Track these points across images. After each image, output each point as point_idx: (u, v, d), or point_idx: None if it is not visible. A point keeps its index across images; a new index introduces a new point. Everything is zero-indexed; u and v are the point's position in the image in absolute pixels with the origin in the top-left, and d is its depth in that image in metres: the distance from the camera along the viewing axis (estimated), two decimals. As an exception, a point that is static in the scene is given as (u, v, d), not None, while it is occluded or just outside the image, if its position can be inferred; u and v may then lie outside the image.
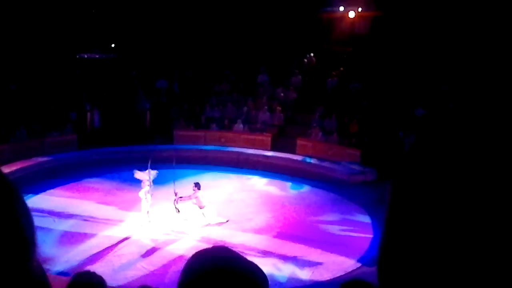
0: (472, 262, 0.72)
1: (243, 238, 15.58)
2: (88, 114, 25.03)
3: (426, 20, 25.14)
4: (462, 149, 0.74)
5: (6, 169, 18.86)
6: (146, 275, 13.17)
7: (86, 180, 20.14)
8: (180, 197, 16.06)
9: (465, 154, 0.74)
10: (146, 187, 15.70)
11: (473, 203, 0.72)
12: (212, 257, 1.40)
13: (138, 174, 16.01)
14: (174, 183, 16.37)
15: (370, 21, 28.68)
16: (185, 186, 17.02)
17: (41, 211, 16.77)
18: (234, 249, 1.48)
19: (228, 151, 23.45)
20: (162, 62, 28.15)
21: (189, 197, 16.13)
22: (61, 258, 13.78)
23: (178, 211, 16.08)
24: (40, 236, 0.86)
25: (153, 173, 15.93)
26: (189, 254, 1.47)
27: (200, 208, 16.22)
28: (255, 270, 1.40)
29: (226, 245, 1.52)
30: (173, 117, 25.89)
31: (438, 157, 0.76)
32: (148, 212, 15.82)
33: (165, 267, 13.62)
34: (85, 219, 16.63)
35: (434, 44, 24.60)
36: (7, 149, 21.34)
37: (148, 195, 15.75)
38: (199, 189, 16.20)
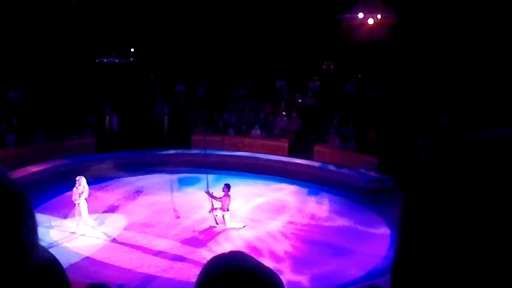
0: (486, 275, 0.71)
1: (260, 244, 15.57)
2: (107, 117, 25.16)
3: (445, 28, 25.01)
4: (487, 170, 0.74)
5: (25, 172, 19.07)
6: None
7: (103, 183, 20.22)
8: (213, 196, 16.18)
9: (489, 175, 0.73)
10: (83, 193, 15.78)
11: (490, 220, 0.71)
12: (229, 262, 1.40)
13: (80, 181, 15.95)
14: (207, 182, 16.74)
15: (389, 28, 28.57)
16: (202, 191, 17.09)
17: (57, 214, 16.95)
18: (250, 254, 1.48)
19: (245, 157, 23.44)
20: (181, 66, 28.27)
21: (220, 198, 16.19)
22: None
23: (213, 210, 16.25)
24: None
25: (83, 182, 15.94)
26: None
27: (223, 211, 16.24)
28: (272, 276, 1.40)
29: (242, 250, 1.51)
30: (191, 122, 25.94)
31: (459, 174, 0.76)
32: (82, 218, 15.87)
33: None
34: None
35: (453, 51, 24.46)
36: (26, 151, 21.53)
37: (83, 201, 15.85)
38: (229, 190, 16.28)
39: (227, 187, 16.30)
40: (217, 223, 16.40)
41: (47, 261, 1.38)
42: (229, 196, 16.26)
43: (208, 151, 20.10)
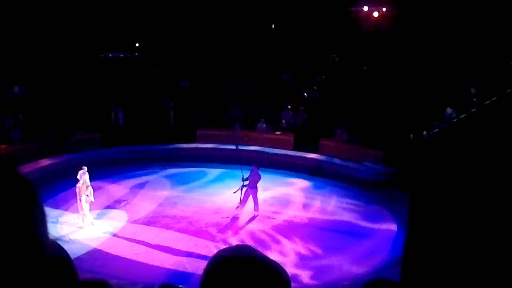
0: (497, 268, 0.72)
1: (265, 237, 15.58)
2: (112, 112, 25.20)
3: (450, 20, 24.90)
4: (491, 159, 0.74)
5: (31, 167, 19.10)
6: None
7: (109, 178, 20.26)
8: (245, 180, 17.14)
9: (493, 163, 0.73)
10: (87, 189, 15.80)
11: (495, 206, 0.72)
12: (235, 255, 1.40)
13: (81, 176, 15.95)
14: (242, 172, 17.23)
15: (394, 21, 28.47)
16: (208, 185, 17.10)
17: (63, 208, 16.99)
18: (256, 247, 1.49)
19: (251, 151, 23.39)
20: (186, 61, 28.25)
21: (258, 174, 17.14)
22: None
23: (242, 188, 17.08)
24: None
25: (85, 177, 15.98)
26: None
27: (252, 187, 17.02)
28: (278, 269, 1.40)
29: (248, 244, 1.52)
30: (196, 116, 25.93)
31: (464, 163, 0.76)
32: (83, 212, 15.88)
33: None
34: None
35: (459, 43, 24.36)
36: (32, 147, 21.54)
37: (84, 196, 15.83)
38: (258, 168, 17.32)
39: (256, 165, 17.32)
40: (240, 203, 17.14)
41: (58, 256, 1.38)
42: (258, 174, 17.20)
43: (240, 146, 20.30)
